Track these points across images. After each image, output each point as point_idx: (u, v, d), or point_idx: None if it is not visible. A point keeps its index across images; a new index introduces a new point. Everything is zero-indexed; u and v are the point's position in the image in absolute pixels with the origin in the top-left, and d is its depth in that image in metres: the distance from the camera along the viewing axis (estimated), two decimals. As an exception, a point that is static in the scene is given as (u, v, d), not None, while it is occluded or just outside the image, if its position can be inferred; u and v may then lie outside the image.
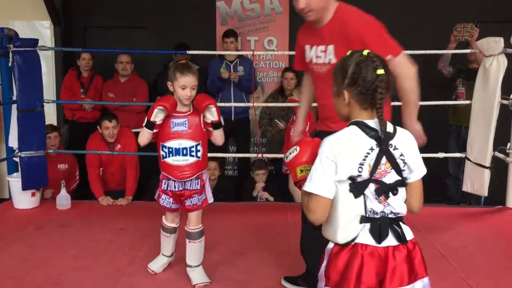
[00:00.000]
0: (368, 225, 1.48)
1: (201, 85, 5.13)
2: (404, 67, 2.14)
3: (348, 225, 1.49)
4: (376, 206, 1.48)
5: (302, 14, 2.27)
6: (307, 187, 1.49)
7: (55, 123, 5.06)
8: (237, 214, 3.86)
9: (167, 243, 2.76)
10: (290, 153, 1.67)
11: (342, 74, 1.51)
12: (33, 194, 4.00)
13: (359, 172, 1.45)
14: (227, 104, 4.93)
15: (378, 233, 1.48)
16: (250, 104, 4.80)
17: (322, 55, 2.27)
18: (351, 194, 1.48)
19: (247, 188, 4.81)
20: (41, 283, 2.67)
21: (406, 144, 1.52)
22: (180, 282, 2.67)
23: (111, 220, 3.69)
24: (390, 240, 1.49)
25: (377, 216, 1.49)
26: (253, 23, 5.62)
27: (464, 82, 4.61)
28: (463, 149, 4.04)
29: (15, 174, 4.09)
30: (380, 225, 1.48)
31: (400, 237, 1.50)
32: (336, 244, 1.52)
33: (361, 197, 1.48)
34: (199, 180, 2.57)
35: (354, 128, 1.49)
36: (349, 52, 1.55)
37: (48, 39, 5.41)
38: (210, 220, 3.62)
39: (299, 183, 1.62)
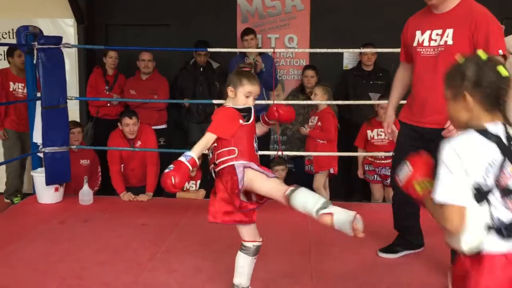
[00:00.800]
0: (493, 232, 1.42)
1: (223, 83, 5.20)
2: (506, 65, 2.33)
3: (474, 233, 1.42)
4: (503, 214, 1.41)
5: (426, 1, 2.51)
6: (440, 197, 1.42)
7: (78, 119, 5.13)
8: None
9: (250, 267, 2.39)
10: (402, 173, 1.62)
11: (462, 77, 1.47)
12: (56, 189, 4.07)
13: (484, 179, 1.41)
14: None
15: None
16: (270, 102, 4.79)
17: (437, 38, 2.49)
18: (475, 201, 1.42)
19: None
20: (64, 276, 2.72)
21: None
22: (199, 277, 2.69)
23: (132, 216, 3.74)
24: None
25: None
26: (274, 20, 5.61)
27: None
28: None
29: (39, 169, 4.16)
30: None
31: None
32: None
33: (486, 205, 1.42)
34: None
35: (475, 134, 1.44)
36: (461, 59, 1.52)
37: (71, 36, 5.50)
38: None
39: (422, 201, 1.56)
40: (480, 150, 1.41)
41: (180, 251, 3.05)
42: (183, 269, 2.80)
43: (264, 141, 5.31)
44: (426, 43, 2.55)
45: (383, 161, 4.30)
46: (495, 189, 1.41)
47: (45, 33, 4.28)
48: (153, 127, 4.66)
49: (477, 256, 1.43)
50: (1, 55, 5.60)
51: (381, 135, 4.29)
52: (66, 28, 5.56)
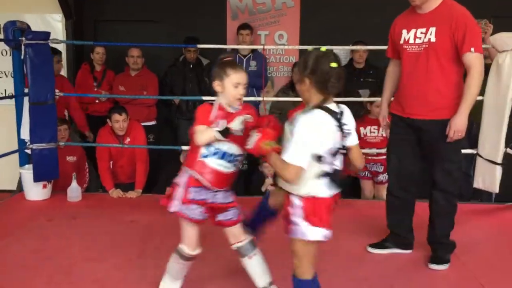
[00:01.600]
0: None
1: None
2: (475, 63, 2.59)
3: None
4: (327, 168, 1.92)
5: (410, 1, 2.73)
6: (287, 157, 1.87)
7: (66, 116, 5.09)
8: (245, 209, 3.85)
9: (182, 270, 2.40)
10: (251, 139, 2.05)
11: (304, 64, 1.92)
12: (44, 186, 4.04)
13: (323, 146, 1.89)
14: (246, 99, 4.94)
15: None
16: (259, 98, 4.79)
17: (421, 36, 2.69)
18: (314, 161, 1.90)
19: (255, 182, 4.81)
20: (52, 273, 2.70)
21: (350, 118, 1.98)
22: (188, 274, 2.69)
23: (121, 213, 3.72)
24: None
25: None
26: (264, 17, 5.61)
27: None
28: (474, 145, 4.01)
29: (26, 166, 4.12)
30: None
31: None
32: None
33: (319, 162, 1.90)
34: (230, 191, 2.30)
35: (319, 111, 1.89)
36: (310, 48, 1.97)
37: (59, 32, 5.45)
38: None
39: (266, 155, 1.99)
40: (322, 124, 1.88)
41: (169, 248, 3.03)
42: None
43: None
44: (411, 41, 2.74)
45: (375, 157, 4.33)
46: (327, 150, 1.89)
47: (33, 28, 4.23)
48: (142, 124, 4.63)
49: (308, 197, 1.93)
50: (-11, 50, 5.54)
51: (374, 132, 4.31)
52: (54, 24, 5.51)
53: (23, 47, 3.87)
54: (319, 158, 1.89)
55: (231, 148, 2.15)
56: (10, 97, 4.45)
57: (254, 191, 4.74)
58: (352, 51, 5.11)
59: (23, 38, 3.86)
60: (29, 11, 5.41)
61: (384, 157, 4.26)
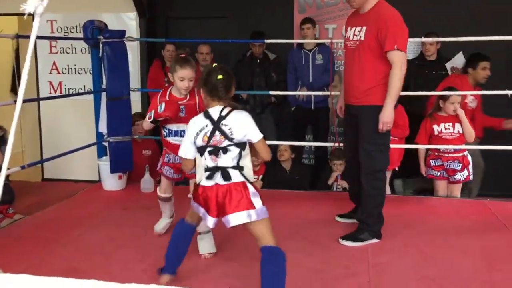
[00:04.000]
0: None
1: (280, 73, 5.21)
2: (396, 60, 2.86)
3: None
4: (209, 162, 2.26)
5: (348, 3, 3.07)
6: (180, 153, 2.37)
7: (139, 110, 5.31)
8: (314, 202, 3.86)
9: (165, 209, 3.22)
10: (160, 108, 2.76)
11: (202, 77, 2.35)
12: (120, 177, 4.24)
13: (196, 141, 2.27)
14: (304, 93, 4.93)
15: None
16: (327, 93, 4.75)
17: (357, 34, 3.00)
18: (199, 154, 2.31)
19: (323, 177, 4.79)
20: (127, 260, 2.85)
21: (235, 121, 2.24)
22: (256, 266, 2.73)
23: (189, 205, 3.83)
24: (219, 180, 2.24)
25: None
26: (331, 10, 5.54)
27: None
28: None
29: (104, 158, 4.35)
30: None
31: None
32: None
33: (204, 157, 2.28)
34: None
35: (201, 114, 2.31)
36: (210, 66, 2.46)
37: (133, 30, 5.68)
38: (287, 208, 3.67)
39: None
40: (196, 124, 2.28)
41: (236, 240, 3.11)
42: (239, 258, 2.85)
43: (322, 133, 5.29)
44: (351, 38, 3.06)
45: (452, 155, 4.13)
46: (208, 147, 2.25)
47: (109, 27, 4.44)
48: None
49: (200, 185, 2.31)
50: (69, 48, 5.89)
51: (449, 128, 4.11)
52: (129, 22, 5.75)
53: (100, 45, 4.07)
54: (199, 153, 2.29)
55: (180, 127, 2.90)
56: (89, 92, 4.72)
57: (320, 185, 4.72)
58: (423, 43, 4.93)
59: (101, 37, 4.07)
60: (106, 10, 5.68)
61: (462, 154, 4.10)
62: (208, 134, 2.23)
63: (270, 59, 5.31)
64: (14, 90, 6.50)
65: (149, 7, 5.81)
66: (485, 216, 3.61)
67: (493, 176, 4.90)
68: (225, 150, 2.23)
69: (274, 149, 4.64)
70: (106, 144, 4.26)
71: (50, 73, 5.96)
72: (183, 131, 2.78)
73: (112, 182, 4.24)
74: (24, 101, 0.87)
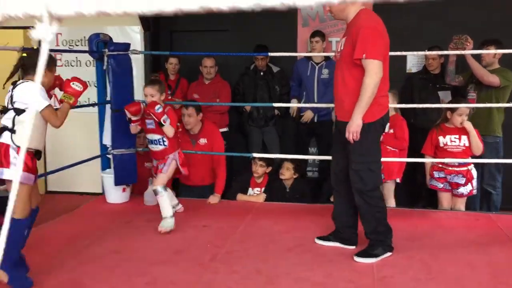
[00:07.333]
0: None
1: (284, 86, 5.22)
2: (369, 67, 2.81)
3: None
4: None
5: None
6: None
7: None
8: (317, 216, 3.84)
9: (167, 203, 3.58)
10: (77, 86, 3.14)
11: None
12: (123, 190, 4.24)
13: None
14: (307, 105, 4.94)
15: None
16: (329, 105, 4.74)
17: (341, 45, 3.01)
18: None
19: (326, 189, 4.76)
20: (130, 273, 2.83)
21: (18, 92, 2.64)
22: (259, 279, 2.72)
23: (194, 217, 3.83)
24: None
25: None
26: (335, 23, 5.56)
27: (476, 88, 4.48)
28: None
29: (107, 170, 4.36)
30: None
31: None
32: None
33: None
34: (167, 158, 3.59)
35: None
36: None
37: (138, 43, 5.71)
38: (290, 221, 3.66)
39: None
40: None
41: (240, 253, 3.10)
42: (243, 271, 2.83)
43: (325, 145, 5.26)
44: (337, 49, 3.08)
45: (456, 168, 4.09)
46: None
47: (114, 40, 4.47)
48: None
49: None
50: (74, 61, 5.92)
51: (455, 141, 4.08)
52: (133, 35, 5.79)
53: (105, 58, 4.10)
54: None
55: (153, 136, 3.58)
56: (93, 104, 4.74)
57: (322, 199, 4.70)
58: (426, 57, 4.94)
59: (106, 50, 4.10)
60: (111, 24, 5.72)
61: (467, 168, 4.07)
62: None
63: (274, 72, 5.33)
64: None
65: (153, 21, 5.85)
66: (490, 229, 3.58)
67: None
68: (5, 111, 2.68)
69: (278, 163, 4.63)
70: (110, 156, 4.27)
71: (55, 85, 5.98)
72: (155, 140, 3.58)
73: (116, 195, 4.24)
74: (30, 114, 0.88)
